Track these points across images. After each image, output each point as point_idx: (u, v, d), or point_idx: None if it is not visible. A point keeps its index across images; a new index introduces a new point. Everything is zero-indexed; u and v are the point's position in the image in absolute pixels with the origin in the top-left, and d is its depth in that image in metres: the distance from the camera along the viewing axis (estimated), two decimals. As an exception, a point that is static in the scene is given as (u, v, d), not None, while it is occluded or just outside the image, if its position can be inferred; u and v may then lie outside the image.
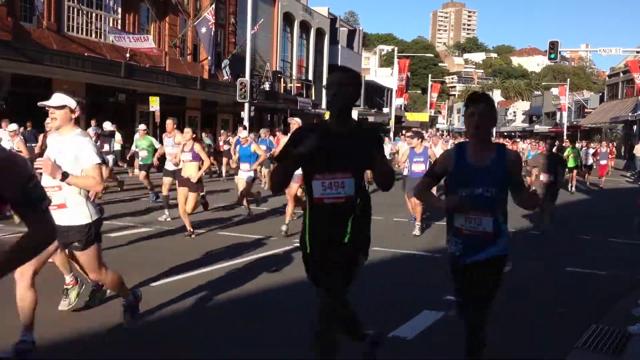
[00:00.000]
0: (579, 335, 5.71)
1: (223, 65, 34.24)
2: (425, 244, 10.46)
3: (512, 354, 5.42)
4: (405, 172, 12.65)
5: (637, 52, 47.26)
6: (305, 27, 46.35)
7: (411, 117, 74.60)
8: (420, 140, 11.82)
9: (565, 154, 21.04)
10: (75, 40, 25.26)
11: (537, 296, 7.52)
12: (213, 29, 31.87)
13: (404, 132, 40.25)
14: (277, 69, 41.46)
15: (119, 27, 27.67)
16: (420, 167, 11.37)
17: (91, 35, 26.41)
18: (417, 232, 11.38)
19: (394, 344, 5.50)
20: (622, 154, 47.70)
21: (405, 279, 8.21)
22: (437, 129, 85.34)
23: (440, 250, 10.02)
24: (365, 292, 7.37)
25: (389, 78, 64.54)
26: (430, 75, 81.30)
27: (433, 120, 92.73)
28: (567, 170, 24.45)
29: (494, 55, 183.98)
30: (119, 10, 27.92)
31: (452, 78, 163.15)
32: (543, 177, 11.43)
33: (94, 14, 26.54)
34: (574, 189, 21.41)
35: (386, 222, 12.90)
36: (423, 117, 76.41)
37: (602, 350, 5.43)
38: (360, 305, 6.68)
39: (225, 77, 34.01)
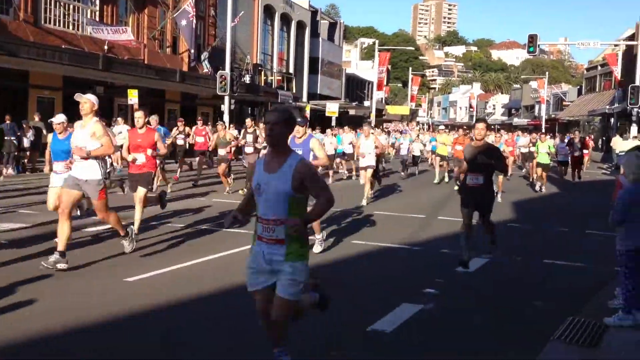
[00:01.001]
0: (556, 328, 5.77)
1: (203, 57, 33.98)
2: (403, 237, 10.48)
3: (488, 345, 5.46)
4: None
5: (615, 45, 47.86)
6: (285, 19, 46.16)
7: (392, 110, 74.75)
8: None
9: (534, 149, 20.43)
10: (53, 32, 24.91)
11: (514, 288, 7.58)
12: (194, 21, 31.61)
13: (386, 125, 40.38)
14: (258, 62, 41.26)
15: (97, 19, 27.32)
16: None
17: (69, 27, 26.05)
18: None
19: (374, 338, 5.52)
20: (600, 146, 48.22)
21: (383, 271, 8.23)
22: (418, 122, 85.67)
23: (418, 243, 10.07)
24: (344, 285, 7.40)
25: (369, 71, 64.53)
26: (410, 69, 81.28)
27: (414, 113, 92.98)
28: (528, 165, 23.56)
29: (474, 48, 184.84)
30: (97, 1, 27.54)
31: (433, 71, 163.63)
32: (469, 180, 8.14)
33: (71, 6, 26.18)
34: (543, 188, 19.06)
35: (364, 216, 12.93)
36: (404, 110, 76.58)
37: (578, 343, 5.48)
38: (339, 299, 6.70)
39: (205, 70, 33.77)
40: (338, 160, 22.70)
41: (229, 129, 22.11)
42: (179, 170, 19.53)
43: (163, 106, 31.15)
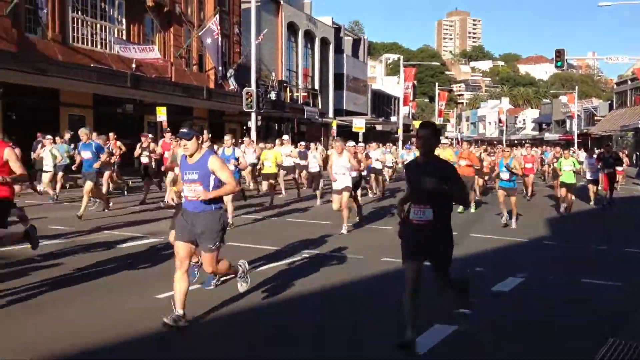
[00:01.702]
0: (595, 350, 5.46)
1: (229, 75, 34.16)
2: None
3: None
4: None
5: (646, 59, 46.94)
6: (309, 36, 46.29)
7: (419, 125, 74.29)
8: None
9: (557, 165, 17.64)
10: (81, 51, 25.22)
11: (552, 309, 7.25)
12: (219, 38, 31.80)
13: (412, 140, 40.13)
14: (283, 78, 41.38)
15: (124, 37, 27.63)
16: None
17: (96, 46, 26.37)
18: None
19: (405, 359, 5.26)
20: (634, 161, 47.27)
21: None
22: (446, 137, 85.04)
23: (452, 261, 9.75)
24: (376, 303, 7.15)
25: (395, 86, 64.40)
26: (437, 84, 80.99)
27: (441, 129, 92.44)
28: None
29: (500, 63, 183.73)
30: (124, 21, 27.90)
31: (460, 86, 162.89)
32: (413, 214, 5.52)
33: (98, 25, 26.51)
34: (567, 210, 16.55)
35: (392, 232, 12.65)
36: (431, 125, 75.96)
37: (622, 367, 5.18)
38: (371, 318, 6.47)
39: (232, 87, 33.92)
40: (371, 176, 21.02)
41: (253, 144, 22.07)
42: (144, 194, 16.85)
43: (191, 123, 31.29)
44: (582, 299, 7.78)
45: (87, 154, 13.29)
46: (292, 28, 43.44)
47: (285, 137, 21.49)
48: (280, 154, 19.00)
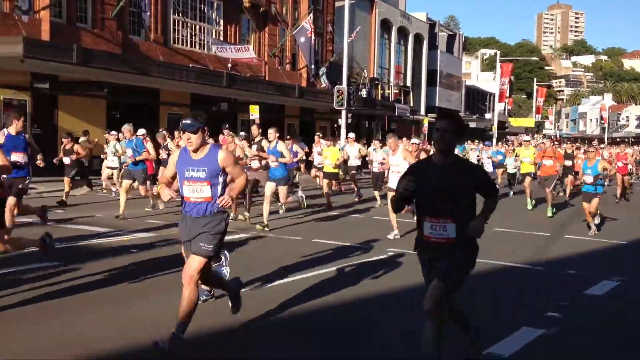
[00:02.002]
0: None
1: (321, 73, 34.50)
2: (527, 256, 9.95)
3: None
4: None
5: None
6: (403, 33, 45.97)
7: (516, 122, 72.26)
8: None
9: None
10: (180, 52, 26.24)
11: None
12: (312, 37, 32.19)
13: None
14: (375, 76, 41.33)
15: (221, 38, 28.49)
16: None
17: (195, 47, 27.33)
18: None
19: (490, 362, 5.21)
20: None
21: (504, 292, 7.82)
22: (544, 135, 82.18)
23: (542, 263, 9.51)
24: (463, 305, 7.08)
25: (491, 82, 62.94)
26: (535, 79, 78.31)
27: (539, 126, 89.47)
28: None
29: (603, 57, 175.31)
30: (221, 22, 28.76)
31: (560, 82, 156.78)
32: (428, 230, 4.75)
33: (197, 26, 27.47)
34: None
35: (488, 233, 12.44)
36: (528, 122, 73.78)
37: None
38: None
39: (323, 85, 34.24)
40: None
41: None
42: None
43: (283, 121, 31.86)
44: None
45: (129, 151, 13.18)
46: (385, 25, 43.30)
47: (352, 135, 20.33)
48: (338, 152, 18.15)
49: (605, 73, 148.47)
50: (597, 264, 9.74)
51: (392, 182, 11.41)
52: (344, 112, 28.31)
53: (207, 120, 5.21)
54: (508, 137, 61.53)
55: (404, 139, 19.85)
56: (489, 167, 22.34)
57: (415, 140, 17.05)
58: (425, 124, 42.48)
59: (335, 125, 31.66)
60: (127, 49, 23.27)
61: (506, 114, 67.15)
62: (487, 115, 59.43)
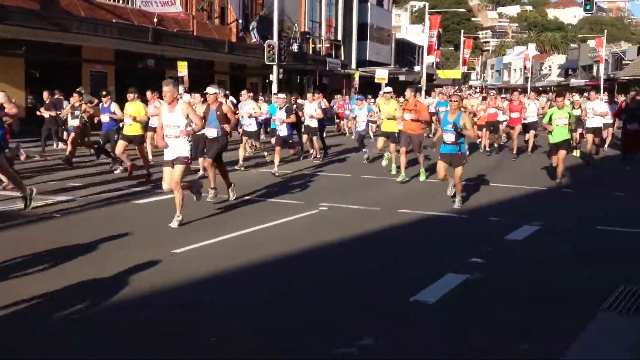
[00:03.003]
0: (607, 297, 5.62)
1: (251, 27, 33.96)
2: (449, 204, 10.29)
3: (535, 315, 5.34)
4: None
5: (679, 0, 45.45)
6: (333, -15, 45.56)
7: (443, 74, 73.29)
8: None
9: (545, 119, 12.61)
10: (103, 6, 25.25)
11: (565, 257, 7.38)
12: (241, -10, 31.54)
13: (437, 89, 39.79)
14: (306, 30, 40.97)
15: (146, -9, 27.54)
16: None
17: (118, 1, 26.37)
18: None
19: (416, 308, 5.47)
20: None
21: (429, 241, 8.14)
22: (470, 86, 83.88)
23: (466, 211, 9.90)
24: (388, 255, 7.36)
25: (420, 35, 63.34)
26: (462, 31, 79.36)
27: (466, 77, 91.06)
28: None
29: (529, 8, 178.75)
30: (145, -26, 27.75)
31: (486, 33, 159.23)
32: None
33: (120, -20, 26.45)
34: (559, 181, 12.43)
35: (413, 184, 12.81)
36: (455, 74, 74.96)
37: (629, 313, 5.33)
38: (382, 269, 6.68)
39: (254, 40, 33.77)
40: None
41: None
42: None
43: (212, 77, 31.37)
44: (596, 246, 7.90)
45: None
46: (315, -23, 42.79)
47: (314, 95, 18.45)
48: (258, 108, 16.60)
49: (529, 23, 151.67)
50: (519, 210, 10.20)
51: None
52: (275, 68, 28.09)
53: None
54: (436, 89, 62.51)
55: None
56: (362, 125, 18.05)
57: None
58: (357, 78, 42.62)
59: (267, 80, 31.39)
60: (45, 4, 22.23)
61: (434, 66, 68.03)
62: (417, 68, 60.07)
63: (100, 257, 6.86)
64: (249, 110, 15.12)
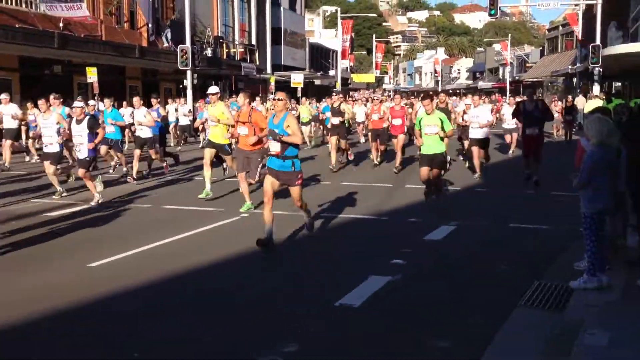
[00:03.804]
0: (523, 292, 5.81)
1: (163, 32, 33.29)
2: (369, 207, 10.42)
3: (456, 312, 5.46)
4: None
5: (575, 5, 48.04)
6: (245, -11, 45.36)
7: (358, 78, 74.42)
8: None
9: (416, 125, 10.42)
10: (5, 10, 24.04)
11: (481, 254, 7.60)
12: (150, -6, 30.85)
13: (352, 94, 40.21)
14: (219, 34, 40.56)
15: (50, -5, 26.47)
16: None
17: (21, 5, 25.19)
18: None
19: (341, 312, 5.48)
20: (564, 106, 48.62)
21: (351, 244, 8.18)
22: (384, 90, 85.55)
23: (385, 213, 10.03)
24: (310, 259, 7.34)
25: (333, 40, 64.00)
26: (374, 36, 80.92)
27: (379, 81, 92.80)
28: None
29: (436, 12, 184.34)
30: (49, -23, 26.67)
31: (397, 37, 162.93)
32: None
33: (22, -17, 25.29)
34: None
35: (335, 187, 12.87)
36: (369, 78, 76.34)
37: (545, 307, 5.53)
38: (306, 273, 6.65)
39: (166, 45, 33.11)
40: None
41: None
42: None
43: (124, 83, 30.52)
44: (511, 243, 8.18)
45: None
46: (226, -19, 42.44)
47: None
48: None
49: (438, 28, 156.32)
50: (436, 211, 10.41)
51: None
52: (189, 73, 27.65)
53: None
54: (351, 92, 63.34)
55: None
56: None
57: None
58: (272, 83, 42.57)
59: (181, 86, 30.84)
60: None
61: (349, 70, 68.93)
62: (331, 72, 60.65)
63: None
64: (140, 117, 14.13)
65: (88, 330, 5.11)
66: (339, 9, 62.65)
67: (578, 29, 46.99)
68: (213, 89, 11.57)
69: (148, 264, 7.05)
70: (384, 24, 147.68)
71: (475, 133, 14.09)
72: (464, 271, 6.85)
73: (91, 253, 7.35)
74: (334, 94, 15.54)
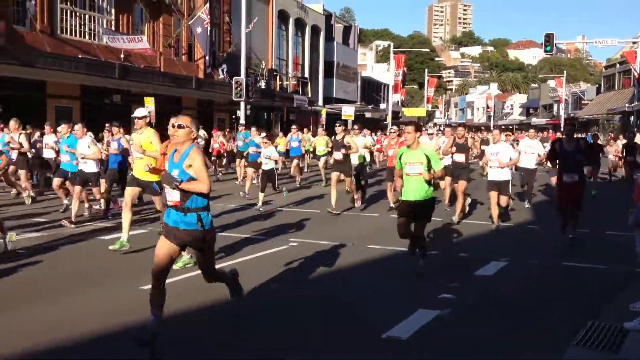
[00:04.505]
0: (576, 332, 5.68)
1: (219, 64, 34.14)
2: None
3: (506, 349, 5.37)
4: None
5: (634, 42, 47.23)
6: (300, 24, 46.20)
7: (408, 112, 74.40)
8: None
9: (397, 164, 8.19)
10: (69, 42, 25.12)
11: (533, 292, 7.46)
12: (209, 28, 31.75)
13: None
14: (273, 67, 41.33)
15: (113, 28, 27.53)
16: None
17: (85, 37, 26.27)
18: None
19: (390, 344, 5.46)
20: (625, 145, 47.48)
21: (398, 277, 8.14)
22: (435, 124, 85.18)
23: (434, 247, 9.96)
24: (358, 291, 7.34)
25: (385, 74, 64.40)
26: (426, 70, 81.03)
27: (430, 115, 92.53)
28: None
29: (490, 48, 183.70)
30: (113, 11, 27.78)
31: (449, 72, 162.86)
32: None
33: (87, 16, 26.40)
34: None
35: (380, 219, 12.85)
36: (420, 112, 76.19)
37: (598, 348, 5.39)
38: (354, 305, 6.66)
39: (221, 77, 33.91)
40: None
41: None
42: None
43: (180, 113, 31.28)
44: (564, 281, 8.01)
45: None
46: (282, 16, 43.32)
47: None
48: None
49: (491, 63, 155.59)
50: (486, 246, 10.29)
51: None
52: (242, 104, 28.20)
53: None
54: (401, 125, 63.28)
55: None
56: None
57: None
58: (323, 115, 43.00)
59: (234, 117, 31.45)
60: (11, 40, 22.01)
61: (400, 104, 69.08)
62: (382, 106, 60.88)
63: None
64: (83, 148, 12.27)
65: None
66: (391, 44, 63.15)
67: (636, 66, 46.09)
68: (139, 112, 9.65)
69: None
70: (436, 58, 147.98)
71: (494, 174, 11.84)
72: (515, 308, 6.74)
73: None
74: (337, 125, 13.97)
